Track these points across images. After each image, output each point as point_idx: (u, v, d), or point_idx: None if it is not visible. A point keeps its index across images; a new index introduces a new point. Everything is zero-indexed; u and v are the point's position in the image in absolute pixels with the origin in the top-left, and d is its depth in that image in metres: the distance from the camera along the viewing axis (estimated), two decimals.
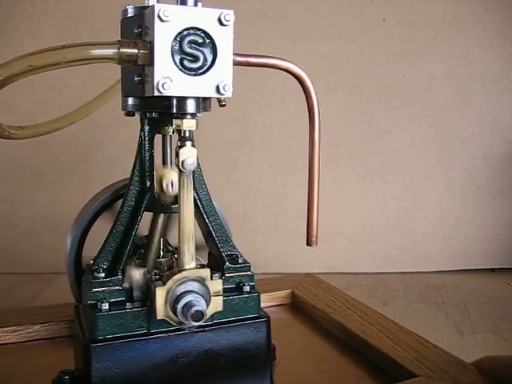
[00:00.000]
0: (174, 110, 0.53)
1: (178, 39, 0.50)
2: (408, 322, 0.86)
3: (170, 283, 0.54)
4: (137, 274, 0.60)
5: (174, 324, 0.55)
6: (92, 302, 0.57)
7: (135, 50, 0.50)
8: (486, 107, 1.29)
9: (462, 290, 1.17)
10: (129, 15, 0.57)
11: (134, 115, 0.61)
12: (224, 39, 0.52)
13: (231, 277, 0.62)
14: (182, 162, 0.52)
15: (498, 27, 1.26)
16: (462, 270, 1.30)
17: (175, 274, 0.55)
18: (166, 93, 0.50)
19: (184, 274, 0.55)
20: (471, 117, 1.29)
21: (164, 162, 0.64)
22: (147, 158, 0.61)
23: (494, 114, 1.29)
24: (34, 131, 0.71)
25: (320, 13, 1.25)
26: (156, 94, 0.50)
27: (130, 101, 0.59)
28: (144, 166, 0.61)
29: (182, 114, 0.53)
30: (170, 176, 0.60)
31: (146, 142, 0.61)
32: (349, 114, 1.28)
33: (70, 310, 0.69)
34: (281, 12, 1.25)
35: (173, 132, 0.60)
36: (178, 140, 0.53)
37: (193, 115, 0.53)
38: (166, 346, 0.58)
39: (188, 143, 0.52)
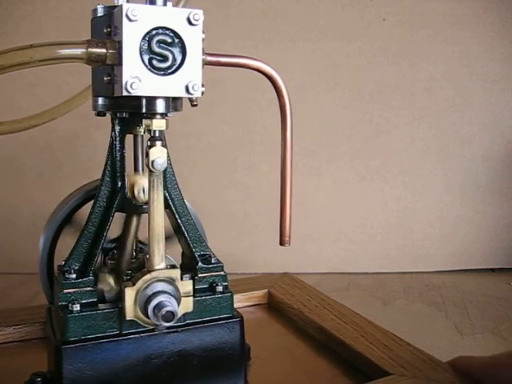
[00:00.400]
0: (144, 110, 0.53)
1: (147, 39, 0.50)
2: (408, 322, 0.86)
3: (139, 284, 0.54)
4: (111, 281, 0.60)
5: (144, 325, 0.55)
6: (63, 303, 0.56)
7: (103, 50, 0.50)
8: (486, 107, 1.28)
9: (462, 289, 1.16)
10: (99, 15, 0.57)
11: (104, 115, 0.61)
12: (193, 39, 0.51)
13: (204, 277, 0.62)
14: (152, 161, 0.52)
15: (498, 27, 1.25)
16: (462, 270, 1.29)
17: (145, 274, 0.54)
18: (134, 93, 0.50)
19: (154, 274, 0.55)
20: (471, 117, 1.28)
21: (135, 163, 0.64)
22: (118, 158, 0.61)
23: (494, 113, 1.28)
24: (11, 127, 0.71)
25: (320, 13, 1.25)
26: (125, 93, 0.50)
27: (101, 101, 0.59)
28: (115, 167, 0.61)
29: (152, 114, 0.53)
30: (142, 182, 0.60)
31: (117, 142, 0.61)
32: (349, 113, 1.27)
33: (44, 312, 0.68)
34: (281, 12, 1.24)
35: (144, 132, 0.59)
36: (148, 140, 0.53)
37: (162, 115, 0.53)
38: (139, 347, 0.57)
39: (158, 143, 0.52)
